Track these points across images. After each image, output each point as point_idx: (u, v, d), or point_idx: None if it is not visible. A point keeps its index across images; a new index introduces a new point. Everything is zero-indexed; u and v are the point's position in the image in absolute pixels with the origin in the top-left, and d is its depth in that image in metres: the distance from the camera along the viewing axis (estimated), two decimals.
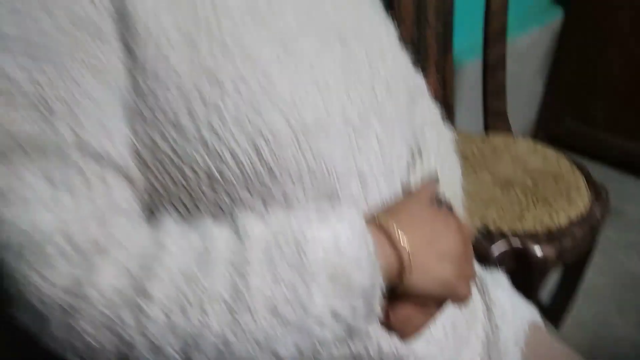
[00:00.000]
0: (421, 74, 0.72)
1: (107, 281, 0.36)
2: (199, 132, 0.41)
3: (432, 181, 0.54)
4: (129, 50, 0.41)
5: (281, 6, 0.47)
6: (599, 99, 1.89)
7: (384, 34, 0.56)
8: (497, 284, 0.67)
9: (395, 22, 1.04)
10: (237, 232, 0.40)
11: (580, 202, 1.04)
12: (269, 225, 0.41)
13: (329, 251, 0.39)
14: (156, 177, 0.43)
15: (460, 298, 0.47)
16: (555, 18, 1.88)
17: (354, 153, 0.48)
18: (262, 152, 0.42)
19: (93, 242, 0.37)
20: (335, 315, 0.40)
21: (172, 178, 0.42)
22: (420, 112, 0.67)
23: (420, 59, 1.16)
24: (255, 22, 0.44)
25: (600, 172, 1.94)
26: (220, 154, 0.41)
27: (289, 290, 0.38)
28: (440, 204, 0.54)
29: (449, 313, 0.54)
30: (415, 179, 0.55)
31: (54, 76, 0.38)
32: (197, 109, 0.41)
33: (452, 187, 0.62)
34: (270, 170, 0.43)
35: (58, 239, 0.36)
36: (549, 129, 2.05)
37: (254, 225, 0.40)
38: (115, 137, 0.40)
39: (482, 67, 1.25)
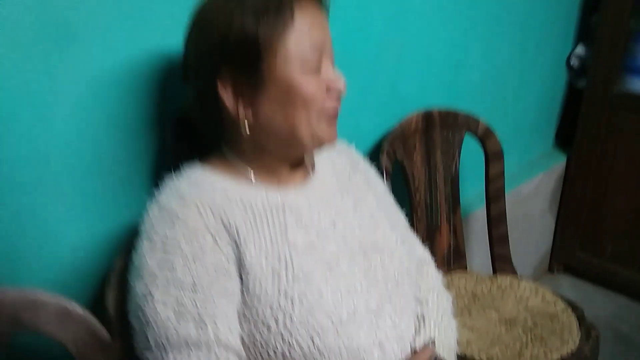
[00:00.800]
0: (429, 242, 1.02)
1: None
2: (278, 330, 0.69)
3: (429, 346, 0.80)
4: (242, 279, 0.71)
5: (327, 236, 0.77)
6: (606, 233, 2.09)
7: (393, 240, 0.85)
8: None
9: (412, 191, 1.36)
10: None
11: (572, 341, 1.23)
12: None
13: None
14: (250, 352, 0.71)
15: None
16: (558, 162, 2.16)
17: (375, 330, 0.76)
18: (315, 340, 0.70)
19: None
20: None
21: (260, 354, 0.71)
22: (425, 284, 0.95)
23: (433, 216, 1.45)
24: (311, 253, 0.74)
25: (614, 302, 2.11)
26: (290, 342, 0.69)
27: None
28: None
29: None
30: (420, 342, 0.82)
31: (206, 301, 0.68)
32: (279, 316, 0.70)
33: (447, 342, 0.88)
34: (320, 351, 0.70)
35: None
36: (563, 260, 2.25)
37: None
38: (234, 333, 0.69)
39: (487, 221, 1.52)
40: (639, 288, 2.05)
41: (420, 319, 0.87)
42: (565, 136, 2.20)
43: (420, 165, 1.40)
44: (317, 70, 0.73)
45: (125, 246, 0.82)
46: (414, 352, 0.81)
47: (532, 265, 2.20)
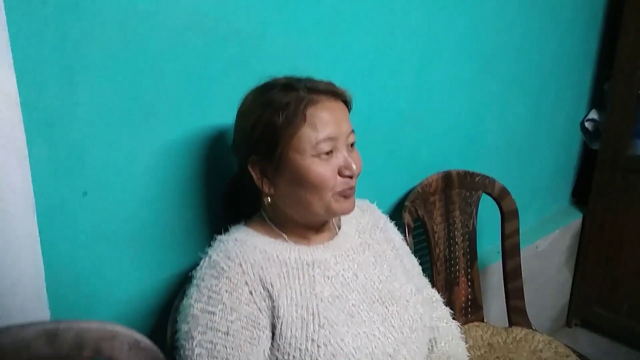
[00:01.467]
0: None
1: None
2: None
3: None
4: (274, 326, 0.84)
5: (349, 287, 0.90)
6: (623, 289, 2.15)
7: (408, 290, 0.98)
8: None
9: (432, 245, 1.48)
10: None
11: None
12: None
13: None
14: None
15: None
16: (574, 219, 2.25)
17: None
18: None
19: None
20: None
21: None
22: (436, 314, 1.09)
23: (452, 270, 1.56)
24: (336, 303, 0.87)
25: (631, 357, 2.14)
26: None
27: None
28: None
29: None
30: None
31: (235, 347, 0.80)
32: (306, 359, 0.81)
33: (459, 356, 1.01)
34: None
35: None
36: (580, 315, 2.30)
37: None
38: None
39: (503, 275, 1.62)
40: None
41: (433, 342, 1.01)
42: (582, 194, 2.30)
43: (440, 222, 1.53)
44: (330, 156, 0.87)
45: (182, 289, 0.97)
46: None
47: (550, 319, 2.25)
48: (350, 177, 0.89)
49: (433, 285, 1.20)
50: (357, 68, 1.27)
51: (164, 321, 0.98)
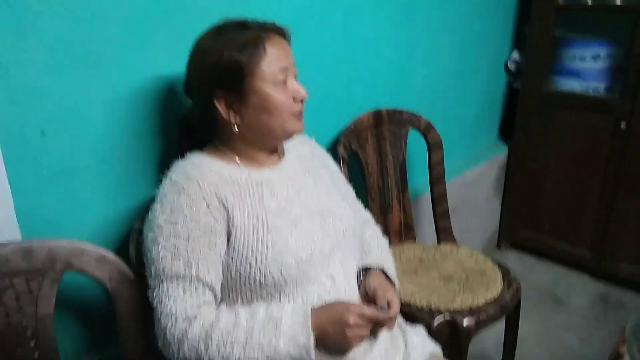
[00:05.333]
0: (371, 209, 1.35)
1: (195, 331, 0.93)
2: (256, 266, 0.98)
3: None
4: (229, 232, 1.00)
5: (293, 202, 1.07)
6: (544, 212, 2.42)
7: (342, 206, 1.15)
8: (415, 332, 1.19)
9: (367, 176, 1.66)
10: (252, 313, 0.96)
11: (495, 290, 1.54)
12: (270, 309, 0.97)
13: (290, 326, 0.94)
14: (236, 284, 1.00)
15: (350, 344, 0.99)
16: (500, 152, 2.49)
17: (328, 268, 1.06)
18: (283, 273, 0.99)
19: (193, 316, 0.94)
20: (291, 354, 0.94)
21: (243, 284, 0.99)
22: (368, 232, 1.28)
23: (385, 197, 1.75)
24: (281, 215, 1.03)
25: (551, 270, 2.43)
26: (265, 274, 0.98)
27: (269, 344, 0.93)
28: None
29: (383, 343, 1.07)
30: (366, 264, 1.16)
31: (194, 249, 0.95)
32: (258, 257, 0.98)
33: (387, 262, 1.21)
34: (285, 281, 0.99)
35: (181, 315, 0.94)
36: (509, 238, 2.58)
37: (261, 310, 0.96)
38: (211, 274, 0.97)
39: (431, 199, 1.83)
40: (571, 258, 2.39)
41: (367, 251, 1.21)
42: (508, 130, 2.53)
43: (372, 155, 1.71)
44: (285, 84, 1.03)
45: (140, 213, 1.11)
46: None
47: (482, 243, 2.51)
48: (302, 100, 1.06)
49: (369, 211, 1.39)
50: (288, 12, 1.39)
51: (126, 241, 1.13)
